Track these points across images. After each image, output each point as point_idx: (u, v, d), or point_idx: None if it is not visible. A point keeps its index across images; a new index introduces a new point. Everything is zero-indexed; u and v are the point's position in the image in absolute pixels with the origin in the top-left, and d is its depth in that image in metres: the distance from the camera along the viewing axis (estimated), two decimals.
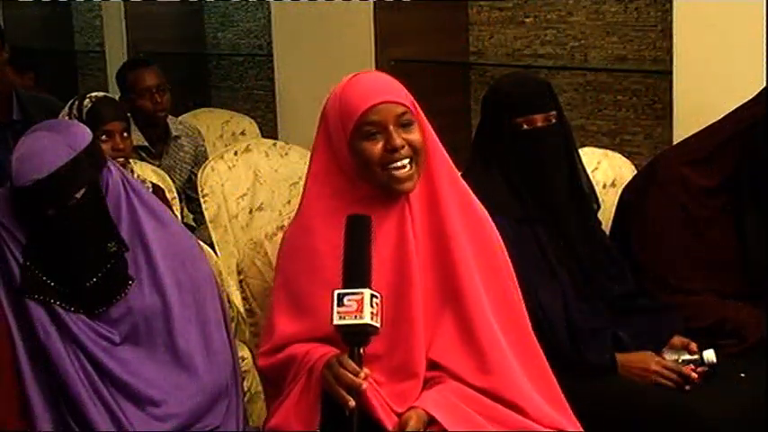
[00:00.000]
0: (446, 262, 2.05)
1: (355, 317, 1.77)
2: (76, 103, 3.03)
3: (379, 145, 1.99)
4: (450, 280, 2.04)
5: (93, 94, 3.08)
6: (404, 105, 2.00)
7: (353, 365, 1.83)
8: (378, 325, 1.79)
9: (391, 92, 2.01)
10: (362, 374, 1.82)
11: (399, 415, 1.96)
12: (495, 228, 2.16)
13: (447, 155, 2.11)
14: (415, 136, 2.01)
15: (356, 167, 2.03)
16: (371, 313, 1.78)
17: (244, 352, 2.51)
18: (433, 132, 2.09)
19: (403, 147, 1.98)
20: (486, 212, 2.16)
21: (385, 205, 2.03)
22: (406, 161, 2.00)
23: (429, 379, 2.02)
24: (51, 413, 2.06)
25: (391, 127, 1.98)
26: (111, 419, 2.05)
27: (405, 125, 2.00)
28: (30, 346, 2.06)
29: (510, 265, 2.16)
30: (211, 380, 2.16)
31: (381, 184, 2.01)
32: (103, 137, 2.89)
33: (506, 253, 2.16)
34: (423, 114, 2.07)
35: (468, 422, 1.95)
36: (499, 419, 1.98)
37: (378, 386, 1.96)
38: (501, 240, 2.16)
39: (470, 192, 2.15)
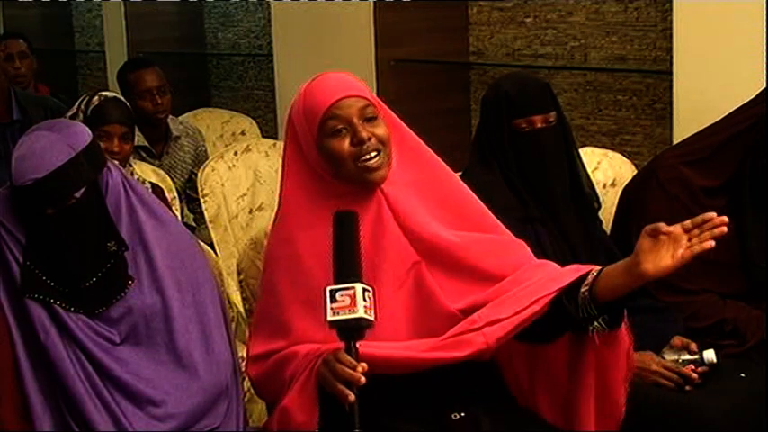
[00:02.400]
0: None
1: (349, 311, 1.77)
2: (86, 99, 3.04)
3: (347, 141, 2.01)
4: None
5: (105, 93, 3.08)
6: (366, 99, 2.03)
7: (350, 360, 1.82)
8: (372, 318, 1.80)
9: (353, 87, 2.04)
10: (359, 368, 1.82)
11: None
12: (457, 181, 2.17)
13: (420, 140, 2.14)
14: (380, 130, 2.03)
15: (327, 166, 2.04)
16: (365, 307, 1.78)
17: (244, 352, 2.50)
18: (402, 123, 2.12)
19: (370, 138, 2.00)
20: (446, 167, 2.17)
21: (361, 201, 2.03)
22: (374, 153, 2.01)
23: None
24: (51, 413, 2.05)
25: (356, 120, 2.01)
26: (110, 419, 2.05)
27: (369, 119, 2.02)
28: (30, 346, 2.06)
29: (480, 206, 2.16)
30: (211, 380, 2.16)
31: (354, 178, 2.03)
32: (102, 137, 2.89)
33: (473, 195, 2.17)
34: (389, 110, 2.10)
35: None
36: None
37: None
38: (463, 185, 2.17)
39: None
